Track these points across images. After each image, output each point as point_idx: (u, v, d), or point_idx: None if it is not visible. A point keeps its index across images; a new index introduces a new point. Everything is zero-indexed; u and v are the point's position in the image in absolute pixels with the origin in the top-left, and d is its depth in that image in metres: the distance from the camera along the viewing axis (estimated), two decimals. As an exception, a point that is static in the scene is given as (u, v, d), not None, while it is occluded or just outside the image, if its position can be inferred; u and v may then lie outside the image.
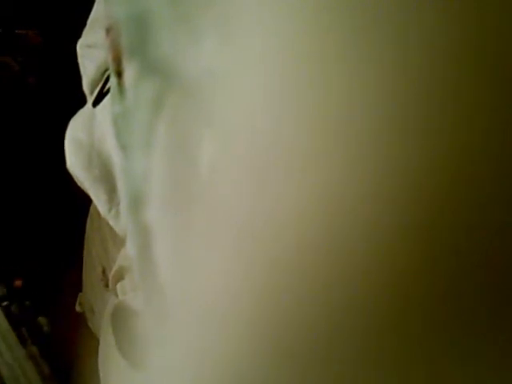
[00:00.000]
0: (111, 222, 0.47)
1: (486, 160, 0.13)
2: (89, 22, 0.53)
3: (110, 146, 0.44)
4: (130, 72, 0.25)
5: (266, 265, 0.14)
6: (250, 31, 0.15)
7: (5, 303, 0.72)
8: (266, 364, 0.14)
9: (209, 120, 0.19)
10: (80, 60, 0.52)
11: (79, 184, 0.49)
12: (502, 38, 0.13)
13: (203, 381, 0.15)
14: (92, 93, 0.48)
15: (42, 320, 0.72)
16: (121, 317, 0.41)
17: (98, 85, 0.47)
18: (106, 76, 0.46)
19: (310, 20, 0.14)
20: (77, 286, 0.64)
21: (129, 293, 0.44)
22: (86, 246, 0.61)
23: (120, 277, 0.47)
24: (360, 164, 0.14)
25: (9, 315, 0.70)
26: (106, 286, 0.52)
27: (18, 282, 0.78)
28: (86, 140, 0.47)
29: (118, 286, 0.46)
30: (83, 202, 0.56)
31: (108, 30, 0.27)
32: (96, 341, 0.55)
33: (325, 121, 0.14)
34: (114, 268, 0.48)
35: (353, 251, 0.13)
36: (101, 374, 0.45)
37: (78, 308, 0.64)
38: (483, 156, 0.13)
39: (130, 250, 0.27)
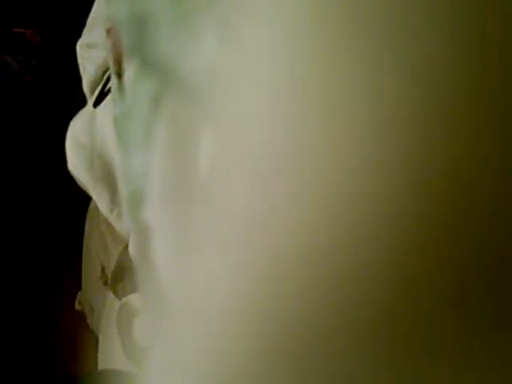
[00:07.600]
0: (113, 223, 0.47)
1: (495, 161, 0.13)
2: (88, 21, 0.53)
3: (112, 147, 0.44)
4: (129, 72, 0.25)
5: (269, 265, 0.14)
6: (249, 30, 0.15)
7: None
8: (271, 365, 0.14)
9: (208, 119, 0.19)
10: (80, 60, 0.52)
11: (79, 184, 0.49)
12: (507, 39, 0.13)
13: (205, 381, 0.15)
14: (92, 93, 0.48)
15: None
16: (126, 317, 0.41)
17: (98, 85, 0.47)
18: (106, 76, 0.46)
19: (310, 19, 0.14)
20: (76, 284, 0.64)
21: (129, 294, 0.44)
22: (85, 244, 0.61)
23: (120, 275, 0.47)
24: (358, 162, 0.14)
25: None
26: (105, 283, 0.52)
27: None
28: (87, 141, 0.47)
29: (119, 287, 0.46)
30: (83, 202, 0.56)
31: (109, 31, 0.27)
32: (94, 338, 0.55)
33: (325, 119, 0.14)
34: (113, 264, 0.48)
35: (360, 252, 0.13)
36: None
37: (77, 306, 0.64)
38: (491, 158, 0.13)
39: (131, 250, 0.27)
